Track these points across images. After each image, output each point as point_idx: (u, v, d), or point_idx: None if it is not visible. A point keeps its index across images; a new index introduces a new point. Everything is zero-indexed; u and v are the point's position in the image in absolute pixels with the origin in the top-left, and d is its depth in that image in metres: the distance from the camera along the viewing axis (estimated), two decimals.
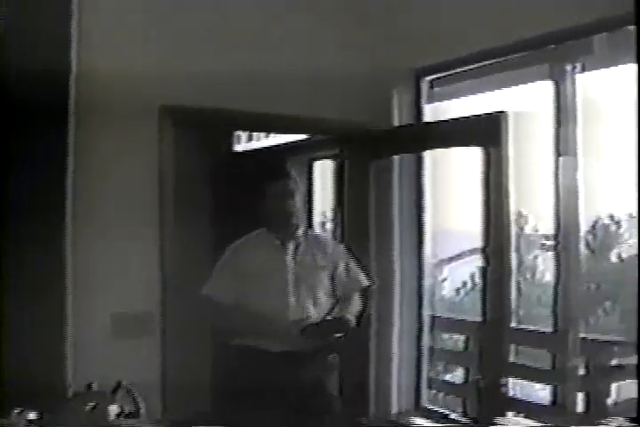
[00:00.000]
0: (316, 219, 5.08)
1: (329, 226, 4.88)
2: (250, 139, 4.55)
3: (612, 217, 8.23)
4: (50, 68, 2.59)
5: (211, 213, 3.66)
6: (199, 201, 3.49)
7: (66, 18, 2.74)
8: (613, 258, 8.19)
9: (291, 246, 3.15)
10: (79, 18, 2.76)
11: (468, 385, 4.18)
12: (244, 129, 3.77)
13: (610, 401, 3.96)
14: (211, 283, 3.09)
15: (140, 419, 2.19)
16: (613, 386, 4.03)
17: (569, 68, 3.40)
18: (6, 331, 2.25)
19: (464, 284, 7.70)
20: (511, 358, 4.41)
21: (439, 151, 3.93)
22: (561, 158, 3.53)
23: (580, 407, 3.53)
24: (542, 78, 3.50)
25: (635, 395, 4.22)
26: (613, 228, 8.28)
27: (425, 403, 4.06)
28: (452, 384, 4.33)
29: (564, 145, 3.52)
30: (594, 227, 8.07)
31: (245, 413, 2.83)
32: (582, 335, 3.62)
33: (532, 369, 3.88)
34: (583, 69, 3.41)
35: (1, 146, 2.40)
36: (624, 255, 8.20)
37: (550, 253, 4.21)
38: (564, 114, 3.46)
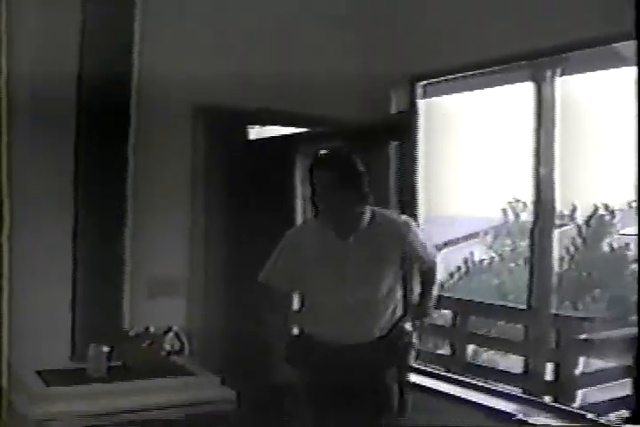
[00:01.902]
0: None
1: None
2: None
3: (606, 207, 9.02)
4: (113, 72, 3.33)
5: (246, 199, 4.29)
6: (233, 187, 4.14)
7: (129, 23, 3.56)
8: (605, 248, 9.02)
9: (347, 235, 3.14)
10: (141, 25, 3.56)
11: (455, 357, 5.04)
12: (267, 124, 4.46)
13: (577, 372, 4.81)
14: (267, 270, 3.18)
15: (184, 356, 3.06)
16: (581, 359, 4.88)
17: (549, 73, 4.22)
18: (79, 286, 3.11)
19: (458, 268, 8.55)
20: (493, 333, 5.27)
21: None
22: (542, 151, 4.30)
23: (549, 377, 4.09)
24: (524, 80, 4.32)
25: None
26: (607, 218, 9.08)
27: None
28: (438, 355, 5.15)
29: (545, 139, 4.32)
30: (590, 217, 8.88)
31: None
32: (554, 312, 4.09)
33: (507, 341, 4.68)
34: (562, 74, 4.23)
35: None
36: (615, 245, 9.02)
37: None
38: (545, 112, 4.27)
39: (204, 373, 3.26)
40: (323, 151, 3.25)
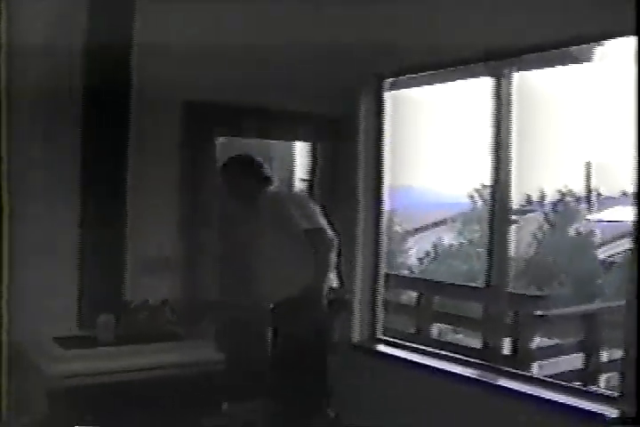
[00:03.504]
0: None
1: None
2: None
3: (572, 193, 9.68)
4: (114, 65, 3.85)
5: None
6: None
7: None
8: (571, 233, 9.71)
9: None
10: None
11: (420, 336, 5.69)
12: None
13: (533, 346, 5.46)
14: (316, 218, 3.84)
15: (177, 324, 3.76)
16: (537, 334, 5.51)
17: (506, 70, 4.82)
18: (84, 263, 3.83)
19: (427, 254, 9.20)
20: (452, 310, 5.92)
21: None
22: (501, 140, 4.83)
23: (506, 351, 4.46)
24: (483, 75, 4.88)
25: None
26: (573, 204, 9.75)
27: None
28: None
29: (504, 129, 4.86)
30: (555, 203, 9.54)
31: None
32: (510, 290, 4.48)
33: (468, 319, 5.43)
34: (518, 70, 4.83)
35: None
36: (582, 230, 9.71)
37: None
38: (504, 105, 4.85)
39: (194, 338, 3.85)
40: None
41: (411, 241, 8.79)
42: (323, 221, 3.93)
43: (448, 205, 8.70)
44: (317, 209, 3.93)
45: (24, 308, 3.68)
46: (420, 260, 8.67)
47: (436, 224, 9.17)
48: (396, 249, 8.42)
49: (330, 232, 3.88)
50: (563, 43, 3.86)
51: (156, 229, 4.10)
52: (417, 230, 8.92)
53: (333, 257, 3.85)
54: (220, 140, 4.62)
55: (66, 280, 3.87)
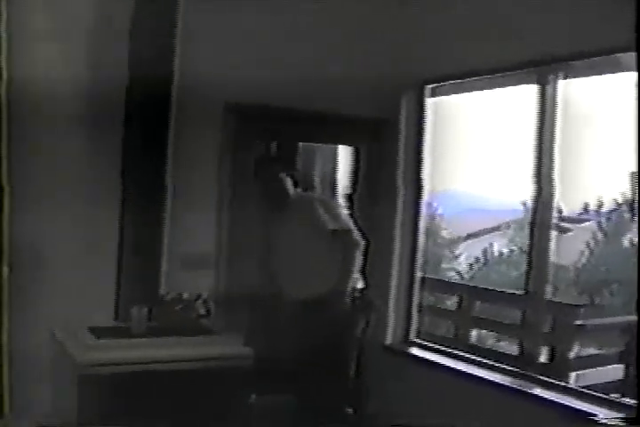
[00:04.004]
0: None
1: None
2: None
3: (628, 203, 9.50)
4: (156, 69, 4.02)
5: None
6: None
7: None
8: (625, 243, 9.54)
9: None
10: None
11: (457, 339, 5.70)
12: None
13: (572, 355, 5.43)
14: (343, 219, 4.08)
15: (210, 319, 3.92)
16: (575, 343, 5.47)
17: (552, 76, 4.83)
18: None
19: (477, 259, 9.16)
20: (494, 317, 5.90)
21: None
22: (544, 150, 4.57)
23: (543, 359, 4.55)
24: (529, 82, 4.62)
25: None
26: (628, 214, 9.56)
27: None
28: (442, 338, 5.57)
29: (549, 137, 4.85)
30: (611, 212, 9.40)
31: None
32: (549, 298, 4.58)
33: (505, 324, 5.33)
34: (565, 77, 4.85)
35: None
36: (635, 241, 9.49)
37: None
38: (548, 113, 4.85)
39: (226, 333, 4.03)
40: None
41: (461, 247, 8.77)
42: (349, 223, 4.09)
43: (499, 212, 8.66)
44: (344, 211, 4.16)
45: (64, 300, 3.92)
46: (470, 265, 8.66)
47: (488, 230, 9.15)
48: (444, 254, 8.45)
49: (356, 233, 3.99)
50: (609, 50, 3.90)
51: (193, 227, 4.26)
52: (469, 236, 8.91)
53: (359, 258, 3.95)
54: (261, 141, 4.76)
55: (105, 274, 4.08)
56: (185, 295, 3.97)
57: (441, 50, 4.68)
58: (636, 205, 9.29)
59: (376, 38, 4.75)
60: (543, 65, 4.40)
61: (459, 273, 8.48)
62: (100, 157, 4.12)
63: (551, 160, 4.56)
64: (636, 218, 9.60)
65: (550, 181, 4.60)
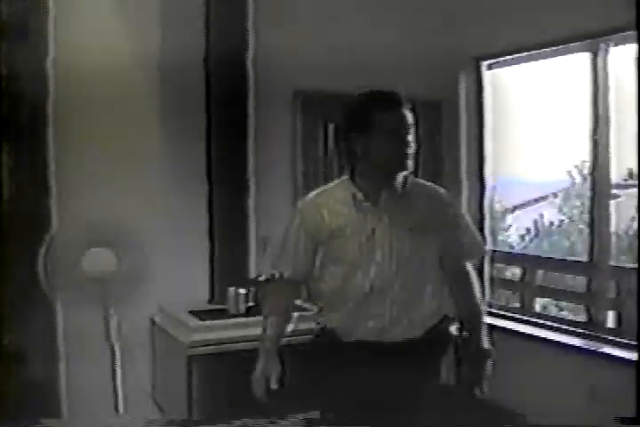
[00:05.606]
0: None
1: None
2: None
3: None
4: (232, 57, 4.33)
5: None
6: None
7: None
8: None
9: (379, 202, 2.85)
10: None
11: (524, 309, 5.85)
12: None
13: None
14: (276, 259, 3.08)
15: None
16: None
17: (603, 45, 4.69)
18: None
19: (528, 230, 9.28)
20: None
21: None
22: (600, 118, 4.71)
23: (610, 324, 4.77)
24: (581, 51, 4.82)
25: None
26: None
27: None
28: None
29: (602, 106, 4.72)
30: None
31: None
32: (613, 263, 4.80)
33: (571, 292, 5.53)
34: (616, 44, 4.67)
35: None
36: None
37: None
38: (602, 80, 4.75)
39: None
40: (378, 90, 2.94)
41: (509, 218, 8.91)
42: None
43: (543, 183, 8.77)
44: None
45: (162, 287, 4.23)
46: (522, 237, 8.79)
47: (535, 200, 9.26)
48: (496, 226, 8.58)
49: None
50: None
51: (277, 212, 4.50)
52: (515, 208, 9.03)
53: None
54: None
55: (197, 260, 4.39)
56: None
57: (497, 25, 4.85)
58: None
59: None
60: (597, 37, 4.61)
61: (510, 245, 8.63)
62: (185, 149, 4.40)
63: (607, 127, 4.75)
64: None
65: (607, 147, 4.79)
